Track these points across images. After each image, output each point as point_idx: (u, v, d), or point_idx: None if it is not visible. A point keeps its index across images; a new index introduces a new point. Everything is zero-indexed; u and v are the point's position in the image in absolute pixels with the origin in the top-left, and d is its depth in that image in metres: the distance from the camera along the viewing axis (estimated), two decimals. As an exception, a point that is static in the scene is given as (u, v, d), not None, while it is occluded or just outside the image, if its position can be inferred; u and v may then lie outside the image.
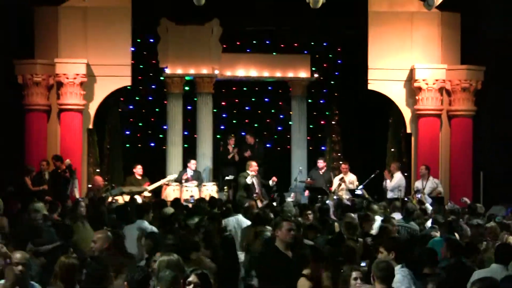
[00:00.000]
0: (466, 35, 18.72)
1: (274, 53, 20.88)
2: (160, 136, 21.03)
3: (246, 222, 12.51)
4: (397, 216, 13.39)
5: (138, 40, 19.75)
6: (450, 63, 18.40)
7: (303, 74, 20.06)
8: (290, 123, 20.98)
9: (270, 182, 18.49)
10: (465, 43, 18.84)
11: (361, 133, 21.14)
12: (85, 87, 17.94)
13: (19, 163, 17.52)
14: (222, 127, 21.79)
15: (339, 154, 21.52)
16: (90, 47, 18.26)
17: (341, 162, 19.74)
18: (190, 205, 14.53)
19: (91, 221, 11.87)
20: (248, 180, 17.05)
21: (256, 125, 22.30)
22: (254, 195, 16.40)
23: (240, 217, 12.51)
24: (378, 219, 12.89)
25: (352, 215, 12.60)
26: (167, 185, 18.06)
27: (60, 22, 18.09)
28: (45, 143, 18.00)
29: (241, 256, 11.28)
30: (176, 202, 14.29)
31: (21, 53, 17.99)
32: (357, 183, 17.81)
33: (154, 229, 11.31)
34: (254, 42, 21.20)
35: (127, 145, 21.03)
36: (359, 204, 14.64)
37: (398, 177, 17.27)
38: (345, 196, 16.95)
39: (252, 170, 17.36)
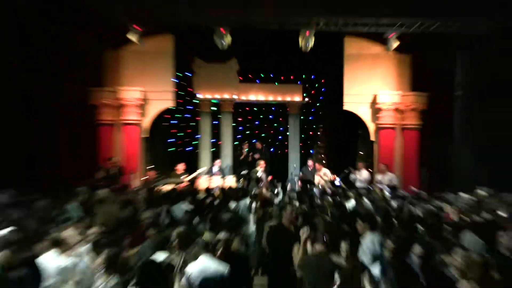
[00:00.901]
0: (415, 70, 19.52)
1: (276, 83, 21.55)
2: (194, 143, 21.93)
3: (252, 203, 13.50)
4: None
5: (179, 74, 20.29)
6: (403, 90, 19.35)
7: (297, 98, 20.89)
8: (287, 133, 21.64)
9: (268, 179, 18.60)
10: (414, 76, 19.57)
11: (338, 141, 21.86)
12: (141, 107, 19.15)
13: (93, 164, 18.25)
14: (238, 136, 22.84)
15: (323, 156, 22.55)
16: (145, 78, 19.25)
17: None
18: (216, 193, 15.15)
19: (147, 204, 13.06)
20: (259, 174, 18.13)
21: (263, 135, 23.56)
22: (262, 184, 17.07)
23: (248, 200, 13.39)
24: (352, 201, 13.66)
25: (329, 198, 13.90)
26: (199, 177, 18.66)
27: (122, 60, 19.26)
28: (112, 148, 19.07)
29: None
30: (208, 190, 15.21)
31: (95, 83, 19.03)
32: (331, 175, 18.13)
33: (191, 207, 12.28)
34: (262, 75, 22.02)
35: (171, 149, 21.88)
36: (338, 191, 15.83)
37: (365, 173, 17.91)
38: (327, 186, 17.56)
39: (261, 166, 18.45)
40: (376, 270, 7.88)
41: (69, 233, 8.15)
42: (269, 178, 18.52)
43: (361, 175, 17.75)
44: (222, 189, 15.68)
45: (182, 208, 12.08)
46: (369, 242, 8.59)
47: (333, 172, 18.11)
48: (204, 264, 7.55)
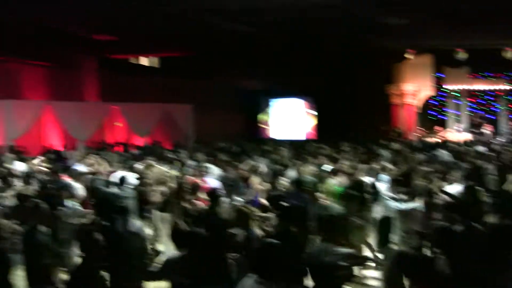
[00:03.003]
0: None
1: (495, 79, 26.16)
2: (445, 114, 27.34)
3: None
4: None
5: (435, 75, 24.99)
6: None
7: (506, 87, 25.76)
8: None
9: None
10: None
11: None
12: (415, 95, 24.62)
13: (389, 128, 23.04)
14: (469, 109, 27.72)
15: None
16: (416, 78, 24.43)
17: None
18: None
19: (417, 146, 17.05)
20: (483, 131, 24.10)
21: (484, 109, 27.95)
22: (485, 136, 22.34)
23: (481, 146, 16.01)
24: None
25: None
26: (446, 134, 23.48)
27: (404, 69, 24.42)
28: (398, 119, 24.35)
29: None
30: (455, 142, 18.75)
31: (388, 82, 24.06)
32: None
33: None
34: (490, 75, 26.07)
35: (433, 118, 27.11)
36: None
37: None
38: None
39: (484, 126, 24.88)
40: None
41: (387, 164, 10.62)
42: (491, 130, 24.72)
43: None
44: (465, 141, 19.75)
45: (441, 152, 14.89)
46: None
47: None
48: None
